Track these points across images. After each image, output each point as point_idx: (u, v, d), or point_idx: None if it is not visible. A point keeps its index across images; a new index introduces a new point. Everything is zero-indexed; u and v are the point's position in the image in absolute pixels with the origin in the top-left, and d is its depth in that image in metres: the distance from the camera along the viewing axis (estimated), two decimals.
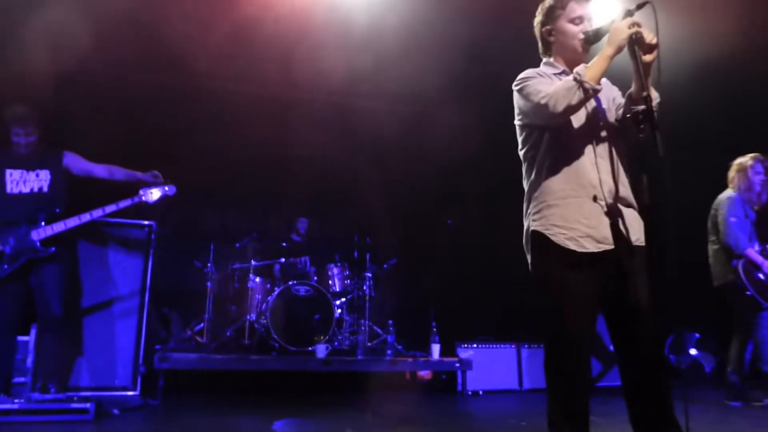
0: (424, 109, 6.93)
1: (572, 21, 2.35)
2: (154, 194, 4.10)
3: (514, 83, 2.37)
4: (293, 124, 6.62)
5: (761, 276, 4.41)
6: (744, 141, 5.63)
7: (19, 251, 3.80)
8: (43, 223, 3.86)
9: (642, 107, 2.18)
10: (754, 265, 4.42)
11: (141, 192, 4.09)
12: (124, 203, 4.01)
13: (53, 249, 3.85)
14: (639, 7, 2.21)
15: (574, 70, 2.20)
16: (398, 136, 6.89)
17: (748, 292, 4.39)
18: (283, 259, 6.26)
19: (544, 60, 2.48)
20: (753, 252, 4.43)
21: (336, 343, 5.78)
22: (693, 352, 6.63)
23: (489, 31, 5.24)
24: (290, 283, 5.70)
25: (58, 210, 3.94)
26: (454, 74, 5.81)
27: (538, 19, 2.46)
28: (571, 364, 2.17)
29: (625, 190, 2.29)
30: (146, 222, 4.69)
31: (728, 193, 4.65)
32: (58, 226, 3.87)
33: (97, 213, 3.97)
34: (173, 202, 4.35)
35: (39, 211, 3.88)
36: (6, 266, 3.77)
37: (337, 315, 5.78)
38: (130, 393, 4.38)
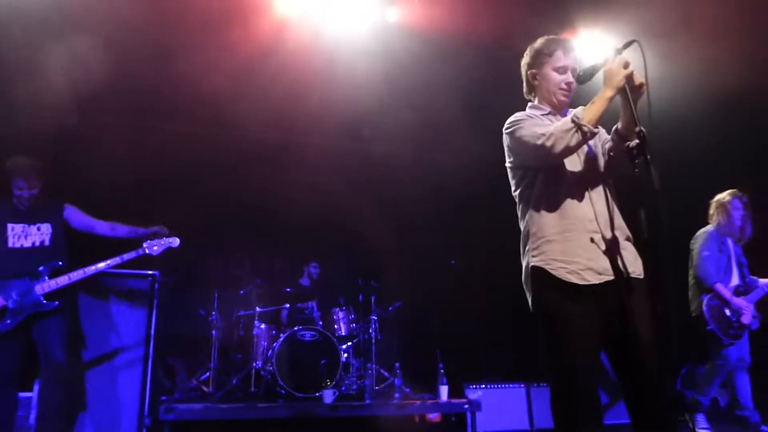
0: (425, 151, 7.02)
1: (557, 70, 2.42)
2: (158, 247, 4.14)
3: (505, 127, 2.43)
4: (293, 168, 6.70)
5: (728, 312, 4.45)
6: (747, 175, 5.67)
7: (23, 306, 3.77)
8: (46, 277, 3.84)
9: (636, 142, 2.23)
10: (723, 300, 4.46)
11: (145, 244, 4.11)
12: (128, 256, 4.03)
13: (57, 303, 3.82)
14: (626, 45, 2.27)
15: (572, 111, 2.25)
16: (399, 178, 6.96)
17: (708, 327, 4.44)
18: (289, 305, 6.25)
19: (530, 104, 2.54)
20: (722, 287, 4.47)
21: (343, 388, 5.71)
22: None
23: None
24: (295, 328, 5.67)
25: (60, 263, 3.93)
26: (456, 114, 5.90)
27: (525, 60, 2.53)
28: (578, 400, 2.15)
29: (621, 223, 2.33)
30: (149, 272, 4.71)
31: (706, 228, 4.72)
32: (62, 280, 3.85)
33: (102, 266, 3.97)
34: (176, 250, 4.37)
35: (41, 264, 3.86)
36: (9, 321, 3.74)
37: (343, 359, 5.73)
38: None
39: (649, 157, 2.15)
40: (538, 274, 2.29)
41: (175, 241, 4.20)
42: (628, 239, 2.33)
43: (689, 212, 4.91)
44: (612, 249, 2.25)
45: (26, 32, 4.78)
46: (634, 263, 2.28)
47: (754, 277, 4.70)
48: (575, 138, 2.18)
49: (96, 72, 4.81)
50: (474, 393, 5.55)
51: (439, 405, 5.52)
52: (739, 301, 4.48)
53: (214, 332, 5.91)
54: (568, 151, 2.22)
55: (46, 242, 3.97)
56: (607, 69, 2.22)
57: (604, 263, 2.23)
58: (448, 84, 5.68)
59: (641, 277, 2.28)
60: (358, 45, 5.24)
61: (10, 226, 3.96)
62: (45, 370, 3.83)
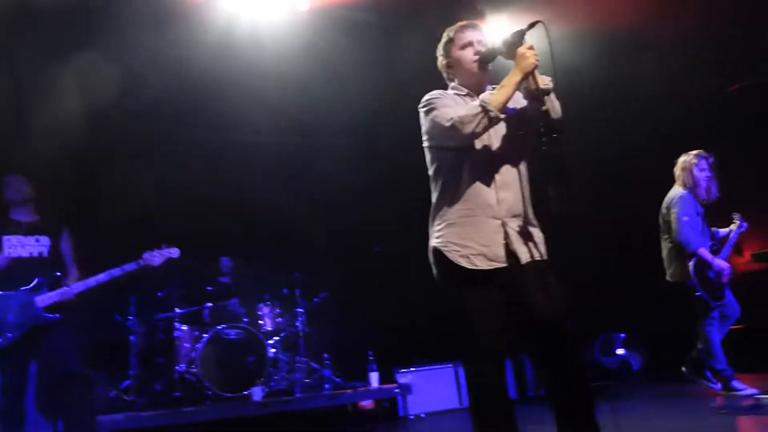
0: (344, 138, 6.98)
1: (463, 48, 2.47)
2: (159, 257, 4.02)
3: (421, 104, 2.44)
4: (210, 163, 6.50)
5: (711, 274, 4.37)
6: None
7: (23, 320, 3.61)
8: (46, 289, 3.70)
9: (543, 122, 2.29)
10: (705, 263, 4.36)
11: (145, 255, 3.97)
12: (128, 267, 3.90)
13: (58, 315, 3.68)
14: (531, 26, 2.31)
15: (480, 96, 2.28)
16: (318, 168, 6.88)
17: (697, 293, 4.36)
18: (211, 304, 6.05)
19: (451, 84, 2.57)
20: (705, 251, 4.36)
21: (273, 384, 5.61)
22: (620, 351, 6.88)
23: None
24: (219, 327, 5.51)
25: (59, 274, 3.81)
26: (374, 97, 5.89)
27: (438, 60, 2.58)
28: (484, 380, 2.21)
29: (526, 209, 2.36)
30: None
31: (678, 191, 4.57)
32: (63, 292, 3.71)
33: (102, 276, 3.82)
34: (88, 254, 4.17)
35: (40, 275, 3.72)
36: (9, 335, 3.57)
37: (271, 355, 5.63)
38: None
39: (557, 134, 2.21)
40: (437, 255, 2.35)
41: (175, 252, 4.10)
42: (531, 223, 2.36)
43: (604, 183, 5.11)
44: (511, 234, 2.29)
45: None
46: (536, 247, 2.31)
47: (715, 229, 4.65)
48: (482, 124, 2.22)
49: None
50: (404, 377, 5.60)
51: (370, 392, 5.55)
52: (720, 262, 4.39)
53: (132, 338, 5.65)
54: (475, 135, 2.27)
55: (45, 253, 3.85)
56: (519, 53, 2.24)
57: (498, 250, 2.27)
58: (365, 69, 5.67)
59: (543, 259, 2.32)
60: (272, 36, 5.15)
61: (5, 237, 3.81)
62: (62, 382, 3.69)
